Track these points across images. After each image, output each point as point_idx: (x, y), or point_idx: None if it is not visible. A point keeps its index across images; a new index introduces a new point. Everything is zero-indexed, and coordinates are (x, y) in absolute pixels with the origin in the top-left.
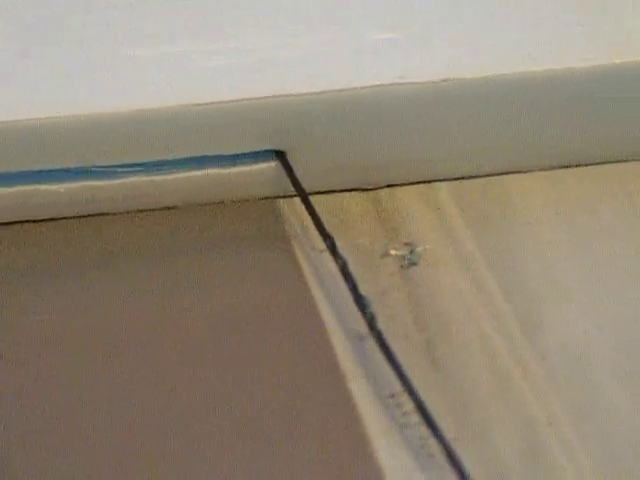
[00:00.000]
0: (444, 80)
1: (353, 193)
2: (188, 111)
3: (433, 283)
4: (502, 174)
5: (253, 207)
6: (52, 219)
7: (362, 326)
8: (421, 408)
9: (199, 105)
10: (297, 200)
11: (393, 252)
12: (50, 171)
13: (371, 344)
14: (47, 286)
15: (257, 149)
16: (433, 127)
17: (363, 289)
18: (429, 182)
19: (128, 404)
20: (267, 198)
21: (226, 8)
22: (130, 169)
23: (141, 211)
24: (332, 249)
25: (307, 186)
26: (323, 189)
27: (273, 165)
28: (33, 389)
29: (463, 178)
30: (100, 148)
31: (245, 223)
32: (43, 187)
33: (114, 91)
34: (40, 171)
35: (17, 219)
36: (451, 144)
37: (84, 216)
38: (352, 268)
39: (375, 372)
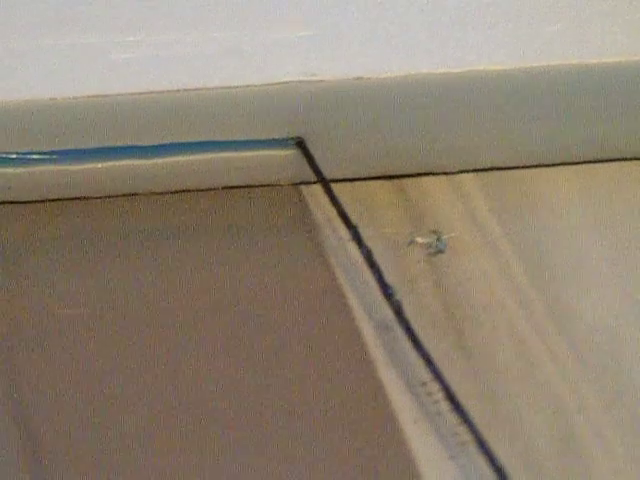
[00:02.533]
0: (466, 71)
1: (378, 181)
2: (206, 95)
3: (460, 270)
4: (528, 167)
5: (279, 193)
6: (79, 198)
7: (390, 315)
8: (450, 396)
9: (215, 89)
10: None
11: (419, 240)
12: (80, 150)
13: (399, 333)
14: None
15: (275, 136)
16: (455, 117)
17: (390, 277)
18: (455, 173)
19: (148, 390)
20: (293, 184)
21: None
22: (156, 150)
23: (165, 193)
24: (356, 238)
25: (329, 173)
26: (346, 176)
27: (295, 152)
28: (52, 367)
29: (489, 169)
30: (132, 127)
31: (271, 209)
32: (78, 166)
33: (142, 72)
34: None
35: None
36: (475, 135)
37: (111, 196)
38: (378, 256)
39: (405, 360)
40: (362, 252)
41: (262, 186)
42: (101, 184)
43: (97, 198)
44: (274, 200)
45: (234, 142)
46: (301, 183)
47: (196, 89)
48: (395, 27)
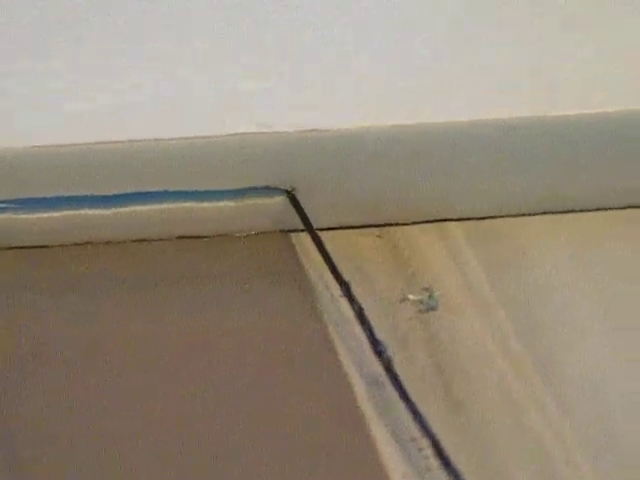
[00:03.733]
0: (447, 122)
1: (369, 236)
2: (191, 144)
3: (451, 327)
4: (517, 216)
5: (268, 241)
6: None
7: (381, 370)
8: (439, 452)
9: (204, 138)
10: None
11: (411, 297)
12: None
13: (390, 388)
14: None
15: (264, 185)
16: (442, 166)
17: (382, 334)
18: (443, 221)
19: (142, 428)
20: (283, 231)
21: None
22: (145, 197)
23: (156, 240)
24: (348, 295)
25: (318, 221)
26: (335, 225)
27: (284, 199)
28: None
29: (477, 218)
30: (116, 176)
31: (260, 258)
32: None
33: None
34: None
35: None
36: (462, 184)
37: (103, 243)
38: (370, 312)
39: (395, 416)
40: (353, 308)
41: (251, 234)
42: (63, 233)
43: (86, 244)
44: (263, 249)
45: (220, 191)
46: (290, 231)
47: (181, 138)
48: (364, 80)
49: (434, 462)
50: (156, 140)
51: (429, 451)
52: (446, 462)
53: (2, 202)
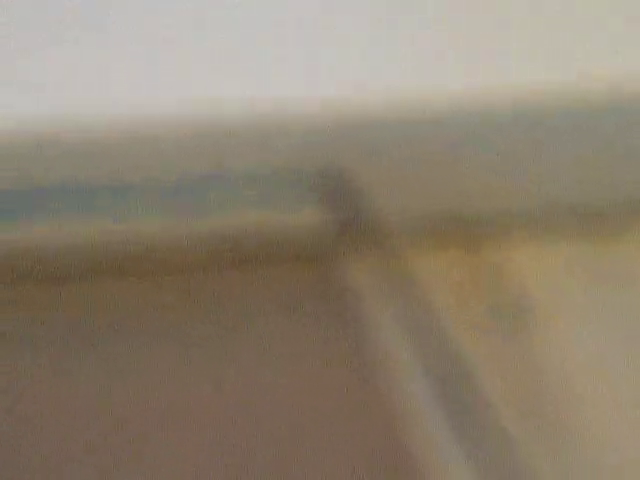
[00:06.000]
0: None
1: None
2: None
3: (542, 339)
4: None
5: (312, 265)
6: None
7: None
8: None
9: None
10: (359, 258)
11: (494, 308)
12: None
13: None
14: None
15: (314, 169)
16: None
17: (466, 345)
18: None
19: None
20: (325, 254)
21: None
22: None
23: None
24: (400, 309)
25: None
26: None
27: (325, 219)
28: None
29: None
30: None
31: (303, 283)
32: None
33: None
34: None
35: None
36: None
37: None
38: (450, 323)
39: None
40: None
41: (291, 258)
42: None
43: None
44: (309, 271)
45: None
46: (332, 253)
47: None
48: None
49: None
50: None
51: None
52: None
53: None
